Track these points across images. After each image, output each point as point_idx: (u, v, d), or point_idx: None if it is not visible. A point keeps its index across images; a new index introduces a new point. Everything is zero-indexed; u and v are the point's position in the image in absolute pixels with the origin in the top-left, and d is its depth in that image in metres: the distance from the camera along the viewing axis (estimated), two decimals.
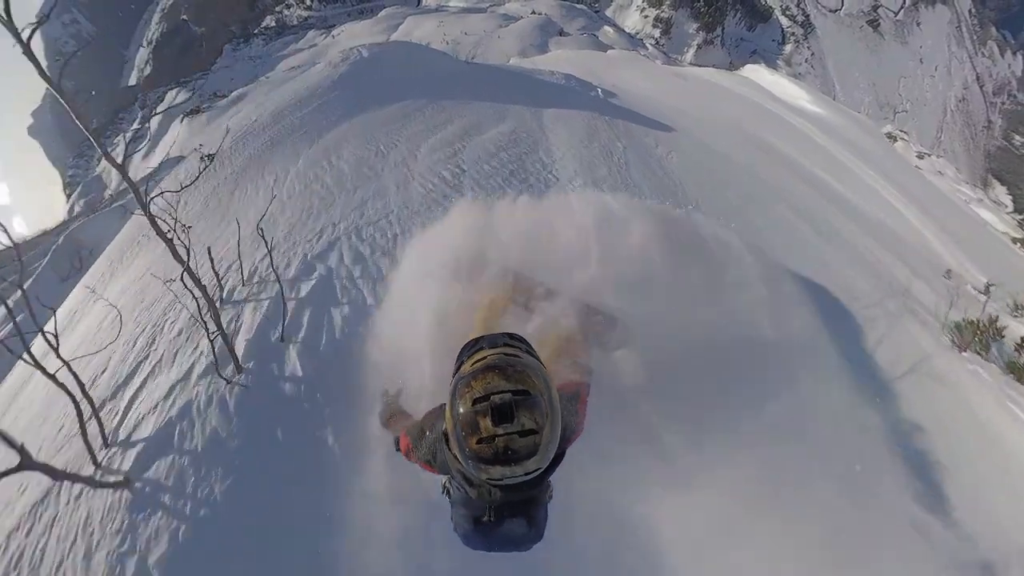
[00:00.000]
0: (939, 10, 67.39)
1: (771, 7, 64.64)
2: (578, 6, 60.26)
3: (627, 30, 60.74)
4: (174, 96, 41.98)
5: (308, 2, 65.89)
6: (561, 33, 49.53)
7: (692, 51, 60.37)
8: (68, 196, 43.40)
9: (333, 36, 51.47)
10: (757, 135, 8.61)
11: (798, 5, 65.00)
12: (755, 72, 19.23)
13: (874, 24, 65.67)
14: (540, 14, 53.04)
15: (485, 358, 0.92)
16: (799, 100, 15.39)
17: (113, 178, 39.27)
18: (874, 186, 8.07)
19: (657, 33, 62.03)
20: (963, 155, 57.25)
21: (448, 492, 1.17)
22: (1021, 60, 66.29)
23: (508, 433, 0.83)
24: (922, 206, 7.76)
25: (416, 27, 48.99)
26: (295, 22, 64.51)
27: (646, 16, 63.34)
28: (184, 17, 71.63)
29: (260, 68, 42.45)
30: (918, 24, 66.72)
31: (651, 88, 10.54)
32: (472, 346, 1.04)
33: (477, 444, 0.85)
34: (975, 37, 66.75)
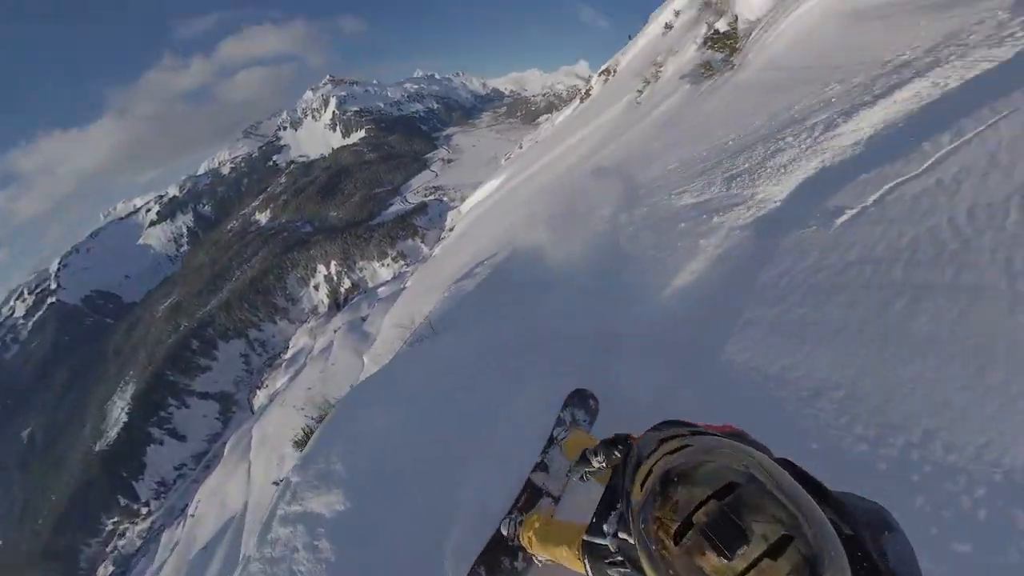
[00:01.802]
0: None
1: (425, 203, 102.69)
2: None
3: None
4: None
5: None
6: (363, 319, 64.17)
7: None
8: None
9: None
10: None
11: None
12: (480, 190, 29.70)
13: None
14: (338, 328, 67.80)
15: (648, 476, 0.62)
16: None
17: None
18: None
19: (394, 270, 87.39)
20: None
21: None
22: None
23: (759, 557, 0.49)
24: None
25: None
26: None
27: (387, 265, 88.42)
28: None
29: None
30: None
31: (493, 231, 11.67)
32: (624, 468, 0.74)
33: None
34: None
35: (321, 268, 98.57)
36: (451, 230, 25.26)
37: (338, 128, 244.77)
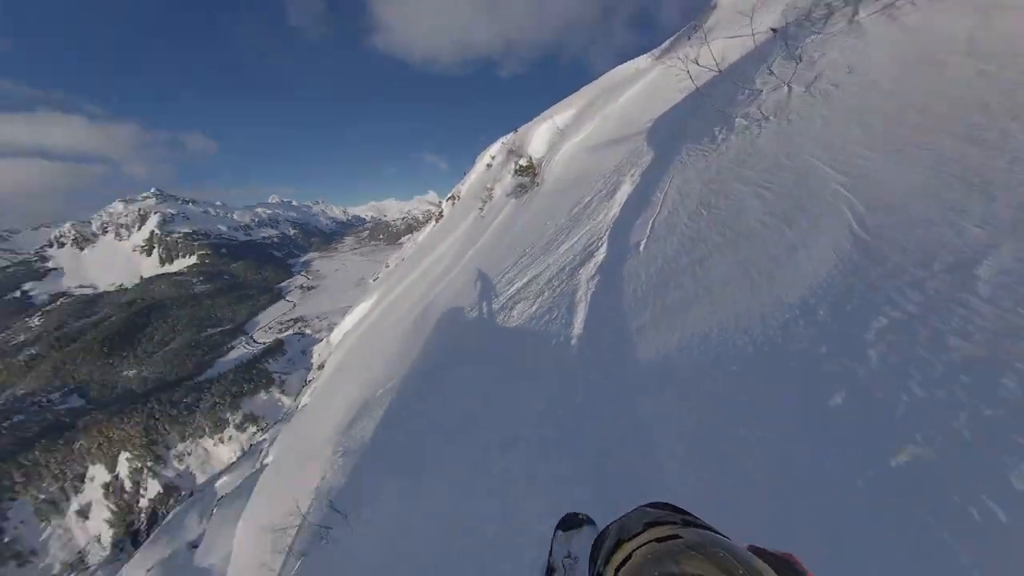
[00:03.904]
0: None
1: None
2: None
3: None
4: None
5: None
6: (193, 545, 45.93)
7: None
8: None
9: None
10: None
11: None
12: (352, 314, 26.06)
13: None
14: None
15: (626, 560, 0.54)
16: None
17: None
18: None
19: (242, 444, 69.23)
20: None
21: None
22: None
23: None
24: None
25: None
26: None
27: (227, 440, 68.83)
28: None
29: None
30: None
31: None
32: (597, 548, 0.64)
33: None
34: None
35: (98, 471, 62.45)
36: (322, 367, 22.23)
37: (156, 252, 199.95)
